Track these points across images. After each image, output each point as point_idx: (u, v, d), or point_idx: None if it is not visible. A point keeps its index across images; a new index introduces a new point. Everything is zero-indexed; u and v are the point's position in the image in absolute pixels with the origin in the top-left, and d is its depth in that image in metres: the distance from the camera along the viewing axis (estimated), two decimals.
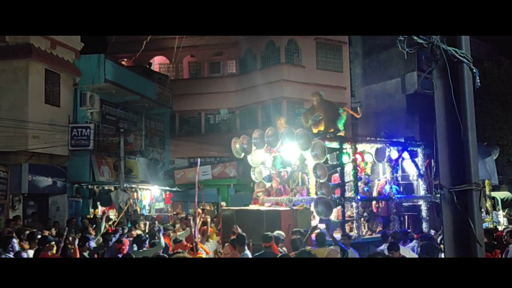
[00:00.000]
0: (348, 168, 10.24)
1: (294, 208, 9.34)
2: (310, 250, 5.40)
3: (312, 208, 9.36)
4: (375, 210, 10.93)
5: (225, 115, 25.73)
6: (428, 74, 3.72)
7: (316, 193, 9.73)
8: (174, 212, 18.29)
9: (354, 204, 10.08)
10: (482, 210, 3.43)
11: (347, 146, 10.18)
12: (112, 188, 17.28)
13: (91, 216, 16.10)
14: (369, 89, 26.19)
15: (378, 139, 10.88)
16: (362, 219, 10.47)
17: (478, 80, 3.39)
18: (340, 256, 6.35)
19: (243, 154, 11.32)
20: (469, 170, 3.35)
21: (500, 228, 11.38)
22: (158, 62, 27.13)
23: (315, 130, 10.61)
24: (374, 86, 25.83)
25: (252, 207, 10.87)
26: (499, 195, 14.22)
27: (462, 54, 3.30)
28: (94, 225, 12.70)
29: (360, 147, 10.52)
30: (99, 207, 17.68)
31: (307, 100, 23.70)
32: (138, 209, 17.93)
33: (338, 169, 10.28)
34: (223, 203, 14.94)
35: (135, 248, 7.60)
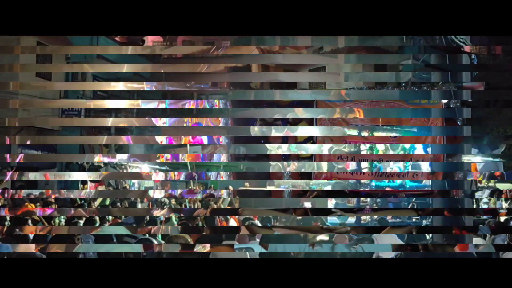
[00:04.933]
0: None
1: None
2: None
3: None
4: None
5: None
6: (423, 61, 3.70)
7: None
8: None
9: None
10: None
11: None
12: (102, 165, 17.18)
13: None
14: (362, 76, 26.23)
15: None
16: None
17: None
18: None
19: None
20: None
21: None
22: (151, 40, 26.85)
23: None
24: (368, 73, 25.87)
25: None
26: (502, 186, 14.55)
27: (461, 40, 3.28)
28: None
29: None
30: (89, 184, 17.58)
31: None
32: (127, 187, 17.88)
33: None
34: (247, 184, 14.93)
35: None
